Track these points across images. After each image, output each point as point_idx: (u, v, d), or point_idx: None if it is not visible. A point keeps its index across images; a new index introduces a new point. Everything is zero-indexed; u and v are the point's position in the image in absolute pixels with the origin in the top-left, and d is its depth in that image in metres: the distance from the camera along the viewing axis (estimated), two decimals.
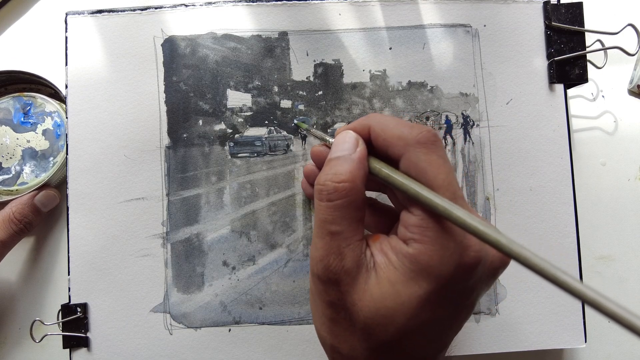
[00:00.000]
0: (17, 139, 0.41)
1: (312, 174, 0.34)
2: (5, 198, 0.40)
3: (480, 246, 0.24)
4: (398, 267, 0.24)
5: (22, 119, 0.41)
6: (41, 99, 0.41)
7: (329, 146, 0.30)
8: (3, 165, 0.41)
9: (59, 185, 0.43)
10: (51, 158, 0.41)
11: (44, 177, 0.40)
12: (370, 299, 0.24)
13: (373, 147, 0.27)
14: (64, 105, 0.41)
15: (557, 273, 0.19)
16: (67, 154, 0.39)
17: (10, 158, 0.41)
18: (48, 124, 0.41)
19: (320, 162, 0.31)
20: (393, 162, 0.26)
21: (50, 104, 0.41)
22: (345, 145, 0.26)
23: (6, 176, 0.41)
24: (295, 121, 0.35)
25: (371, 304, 0.24)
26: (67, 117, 0.39)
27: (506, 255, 0.21)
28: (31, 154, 0.41)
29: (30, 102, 0.41)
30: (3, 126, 0.41)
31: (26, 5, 0.47)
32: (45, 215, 0.41)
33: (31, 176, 0.41)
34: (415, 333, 0.24)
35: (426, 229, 0.24)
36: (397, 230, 0.26)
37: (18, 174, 0.41)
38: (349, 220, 0.24)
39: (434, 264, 0.23)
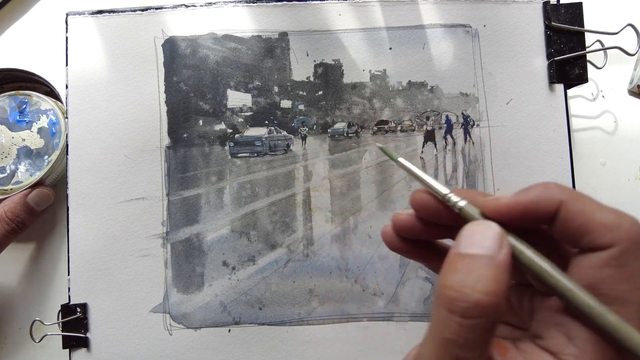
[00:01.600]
0: (13, 137, 0.41)
1: (407, 224, 0.25)
2: None
3: None
4: None
5: (17, 118, 0.41)
6: (37, 97, 0.41)
7: (439, 198, 0.23)
8: None
9: (54, 184, 0.42)
10: (46, 156, 0.40)
11: (38, 175, 0.40)
12: None
13: (551, 232, 0.21)
14: (60, 103, 0.42)
15: None
16: (67, 153, 0.39)
17: (6, 157, 0.40)
18: (43, 122, 0.41)
19: (424, 213, 0.24)
20: (568, 255, 0.21)
21: (46, 102, 0.41)
22: (487, 241, 0.19)
23: (1, 175, 0.40)
24: (379, 145, 0.29)
25: None
26: (66, 117, 0.39)
27: None
28: (26, 153, 0.40)
29: (26, 100, 0.41)
30: None
31: (26, 5, 0.47)
32: (39, 214, 0.40)
33: (26, 175, 0.40)
34: None
35: (600, 349, 0.18)
36: (521, 326, 0.21)
37: (13, 173, 0.40)
38: (483, 347, 0.18)
39: None
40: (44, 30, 0.46)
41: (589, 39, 0.40)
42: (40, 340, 0.37)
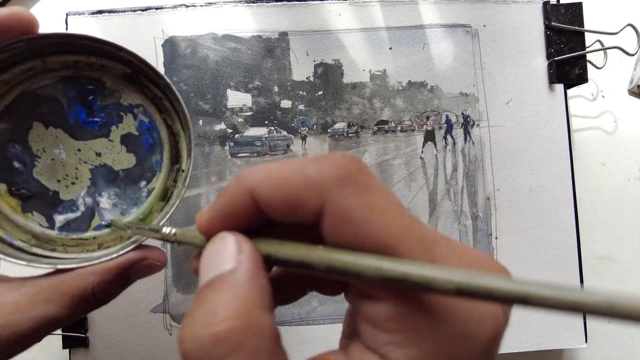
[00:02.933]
0: (79, 150, 0.25)
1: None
2: (74, 262, 0.23)
3: (499, 311, 0.15)
4: None
5: (83, 117, 0.25)
6: (112, 83, 0.25)
7: (159, 238, 0.20)
8: (62, 197, 0.25)
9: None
10: (143, 182, 0.26)
11: (137, 214, 0.25)
12: None
13: (269, 222, 0.17)
14: (157, 94, 0.25)
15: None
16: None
17: (73, 184, 0.25)
18: (129, 125, 0.25)
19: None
20: (305, 233, 0.17)
21: (131, 92, 0.25)
22: (218, 259, 0.16)
23: (72, 215, 0.25)
24: (110, 220, 0.24)
25: None
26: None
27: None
28: (107, 177, 0.25)
29: (95, 87, 0.25)
30: (52, 128, 0.25)
31: (26, 5, 0.47)
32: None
33: (114, 213, 0.26)
34: None
35: (412, 316, 0.14)
36: (349, 338, 0.18)
37: (91, 211, 0.25)
38: None
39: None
40: (43, 30, 0.46)
41: (589, 39, 0.40)
42: (40, 340, 0.37)
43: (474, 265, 0.16)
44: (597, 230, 0.44)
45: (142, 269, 0.24)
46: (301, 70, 0.39)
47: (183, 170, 0.25)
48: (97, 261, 0.23)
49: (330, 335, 0.38)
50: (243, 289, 0.15)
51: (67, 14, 0.39)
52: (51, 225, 0.25)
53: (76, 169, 0.25)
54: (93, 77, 0.25)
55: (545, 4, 0.40)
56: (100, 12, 0.39)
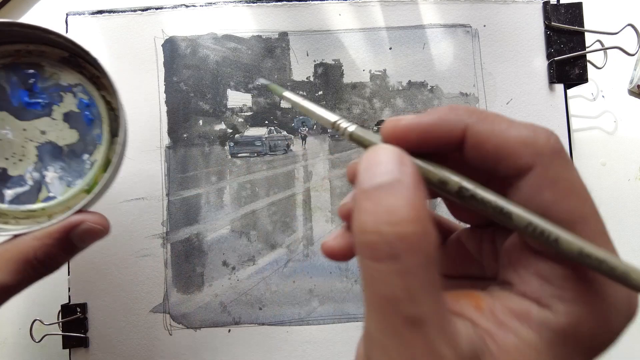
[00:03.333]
0: (25, 129, 0.27)
1: (338, 248, 0.20)
2: (23, 228, 0.25)
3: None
4: (539, 346, 0.15)
5: (26, 99, 0.27)
6: (51, 67, 0.27)
7: (329, 126, 0.21)
8: (10, 173, 0.27)
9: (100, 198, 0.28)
10: (86, 155, 0.27)
11: (80, 184, 0.27)
12: None
13: (464, 159, 0.18)
14: (95, 77, 0.28)
15: None
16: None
17: (20, 160, 0.27)
18: (70, 104, 0.27)
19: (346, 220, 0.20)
20: (497, 182, 0.17)
21: (69, 74, 0.28)
22: (386, 166, 0.16)
23: (20, 189, 0.27)
24: (263, 81, 0.26)
25: None
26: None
27: None
28: (52, 152, 0.27)
29: (35, 72, 0.27)
30: None
31: (26, 5, 0.47)
32: (81, 251, 0.28)
33: (60, 186, 0.27)
34: None
35: (586, 283, 0.16)
36: (487, 278, 0.18)
37: (38, 185, 0.27)
38: (433, 293, 0.14)
39: (597, 334, 0.16)
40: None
41: (589, 39, 0.40)
42: (40, 340, 0.37)
43: None
44: None
45: (82, 232, 0.26)
46: (301, 70, 0.39)
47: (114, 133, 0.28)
48: (44, 225, 0.25)
49: (331, 335, 0.38)
50: (417, 198, 0.15)
51: (67, 14, 0.39)
52: (1, 200, 0.27)
53: (23, 147, 0.27)
54: (33, 62, 0.27)
55: (545, 4, 0.40)
56: (100, 12, 0.39)
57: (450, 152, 0.17)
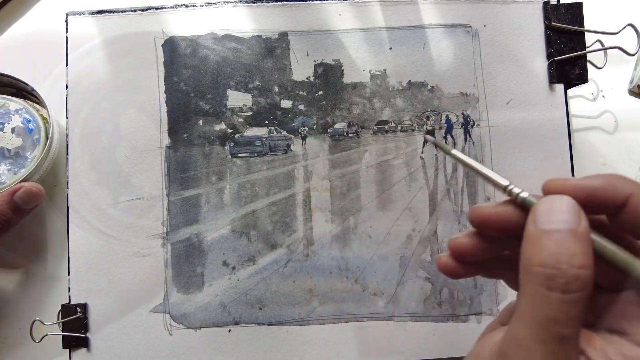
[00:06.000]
0: None
1: (467, 247, 0.23)
2: None
3: None
4: None
5: None
6: (2, 99, 0.40)
7: (500, 190, 0.22)
8: None
9: (41, 181, 0.40)
10: (28, 153, 0.39)
11: (24, 172, 0.39)
12: None
13: (614, 223, 0.21)
14: (32, 102, 0.41)
15: None
16: (67, 153, 0.38)
17: None
18: (16, 121, 0.40)
19: (487, 226, 0.22)
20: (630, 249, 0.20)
21: (14, 102, 0.40)
22: (566, 215, 0.19)
23: None
24: (432, 140, 0.28)
25: None
26: (67, 117, 0.39)
27: None
28: (2, 154, 0.39)
29: None
30: None
31: (26, 5, 0.47)
32: (27, 212, 0.38)
33: (9, 175, 0.39)
34: None
35: None
36: (606, 325, 0.21)
37: None
38: (580, 324, 0.18)
39: None
40: (43, 30, 0.46)
41: (589, 39, 0.40)
42: (41, 340, 0.37)
43: None
44: None
45: (22, 194, 0.37)
46: (301, 70, 0.39)
47: (47, 137, 0.40)
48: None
49: (331, 335, 0.38)
50: (589, 249, 0.19)
51: (67, 14, 0.39)
52: None
53: None
54: None
55: (545, 4, 0.40)
56: (100, 12, 0.39)
57: (607, 214, 0.21)
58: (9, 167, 0.39)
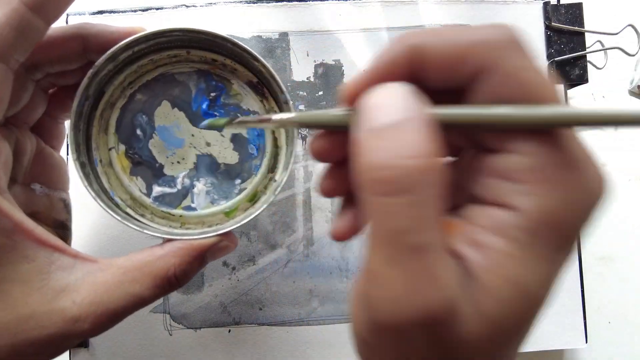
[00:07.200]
0: (193, 135, 0.28)
1: (330, 182, 0.22)
2: (158, 231, 0.26)
3: (603, 179, 0.17)
4: (514, 251, 0.15)
5: (205, 108, 0.28)
6: (239, 87, 0.28)
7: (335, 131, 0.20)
8: (165, 172, 0.28)
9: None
10: (238, 180, 0.28)
11: (223, 206, 0.28)
12: (489, 324, 0.16)
13: (422, 84, 0.18)
14: (273, 107, 0.29)
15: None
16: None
17: (178, 163, 0.28)
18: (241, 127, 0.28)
19: (332, 158, 0.21)
20: (452, 94, 0.18)
21: (252, 99, 0.28)
22: (394, 105, 0.16)
23: (168, 189, 0.28)
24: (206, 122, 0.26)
25: (491, 331, 0.16)
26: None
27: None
28: (209, 166, 0.28)
29: (223, 85, 0.28)
30: (176, 110, 0.28)
31: None
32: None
33: (204, 200, 0.28)
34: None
35: (548, 165, 0.16)
36: (461, 204, 0.18)
37: (185, 191, 0.28)
38: (436, 224, 0.15)
39: (568, 215, 0.16)
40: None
41: (589, 39, 0.40)
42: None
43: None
44: (597, 231, 0.44)
45: (217, 250, 0.26)
46: (301, 70, 0.40)
47: (275, 181, 0.28)
48: (200, 236, 0.24)
49: (331, 335, 0.38)
50: (427, 131, 0.15)
51: (67, 14, 0.39)
52: (148, 193, 0.28)
53: (185, 151, 0.28)
54: (224, 77, 0.28)
55: (545, 5, 0.40)
56: (100, 12, 0.39)
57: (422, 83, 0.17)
58: (209, 189, 0.29)
